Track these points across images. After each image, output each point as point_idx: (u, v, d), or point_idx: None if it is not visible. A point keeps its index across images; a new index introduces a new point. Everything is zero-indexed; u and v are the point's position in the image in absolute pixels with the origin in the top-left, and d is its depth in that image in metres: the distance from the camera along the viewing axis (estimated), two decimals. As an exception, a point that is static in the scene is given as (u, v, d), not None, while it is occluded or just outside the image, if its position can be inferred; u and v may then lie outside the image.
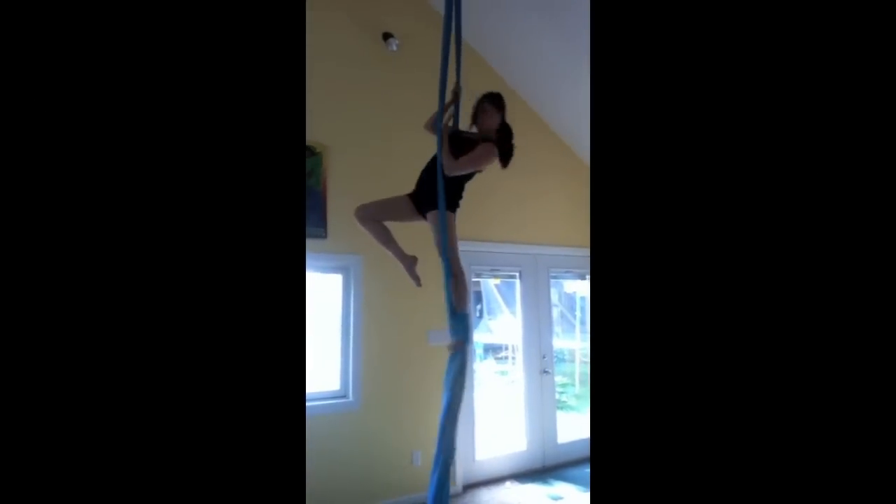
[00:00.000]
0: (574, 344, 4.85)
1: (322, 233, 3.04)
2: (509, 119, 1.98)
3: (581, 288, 4.94)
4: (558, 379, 4.30)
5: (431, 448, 3.26)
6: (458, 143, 1.89)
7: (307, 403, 2.74)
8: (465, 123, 2.07)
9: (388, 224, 2.06)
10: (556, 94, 3.90)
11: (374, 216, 2.02)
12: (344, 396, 3.07)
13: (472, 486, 3.44)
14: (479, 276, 3.96)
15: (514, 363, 4.17)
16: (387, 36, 3.37)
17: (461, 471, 3.40)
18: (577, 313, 5.21)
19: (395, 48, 3.38)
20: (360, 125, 3.27)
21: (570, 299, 5.38)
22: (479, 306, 4.52)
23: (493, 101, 1.93)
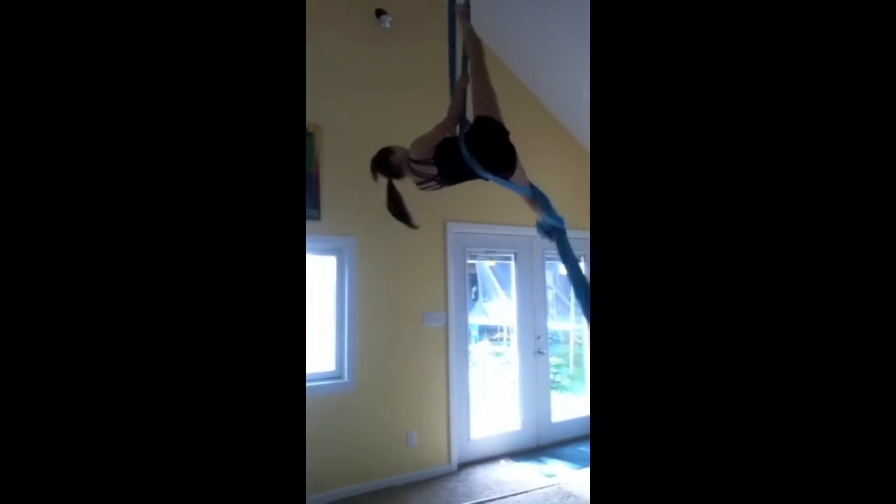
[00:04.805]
0: (568, 325, 4.88)
1: (316, 214, 3.01)
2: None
3: (576, 270, 4.92)
4: (552, 360, 4.33)
5: (426, 428, 3.32)
6: None
7: (303, 384, 2.75)
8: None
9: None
10: (555, 77, 3.85)
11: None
12: (339, 377, 3.08)
13: (467, 465, 3.49)
14: (474, 257, 3.96)
15: (508, 344, 4.20)
16: (380, 13, 3.29)
17: (456, 450, 3.45)
18: (572, 295, 5.23)
19: (388, 25, 3.30)
20: (354, 104, 3.21)
21: (564, 281, 5.40)
22: (474, 288, 4.54)
23: None
